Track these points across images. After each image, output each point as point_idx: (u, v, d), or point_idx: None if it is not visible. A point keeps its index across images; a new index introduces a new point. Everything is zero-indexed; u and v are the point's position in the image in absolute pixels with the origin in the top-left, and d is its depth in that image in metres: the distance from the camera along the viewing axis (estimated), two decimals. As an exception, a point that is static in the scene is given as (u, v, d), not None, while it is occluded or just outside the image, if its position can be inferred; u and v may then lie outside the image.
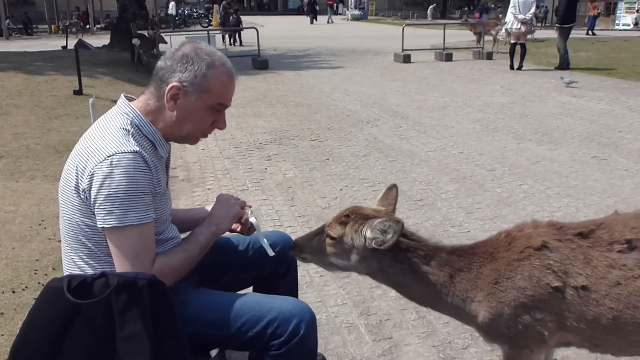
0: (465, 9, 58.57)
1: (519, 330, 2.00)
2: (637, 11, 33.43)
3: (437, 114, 9.70)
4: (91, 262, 1.98)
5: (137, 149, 1.90)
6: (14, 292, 3.67)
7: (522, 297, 1.97)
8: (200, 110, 2.03)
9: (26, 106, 9.38)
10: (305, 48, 22.76)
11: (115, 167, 1.83)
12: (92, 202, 1.86)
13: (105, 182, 1.83)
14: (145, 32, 17.13)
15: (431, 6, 49.46)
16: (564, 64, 15.03)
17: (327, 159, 6.98)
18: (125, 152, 1.86)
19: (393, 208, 2.27)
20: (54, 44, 23.73)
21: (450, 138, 7.98)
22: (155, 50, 16.21)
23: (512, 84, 12.83)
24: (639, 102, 10.57)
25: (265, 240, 2.29)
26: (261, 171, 6.57)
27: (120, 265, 1.88)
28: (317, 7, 46.17)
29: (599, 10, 32.04)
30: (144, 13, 34.79)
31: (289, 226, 4.87)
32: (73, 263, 2.01)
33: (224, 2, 27.07)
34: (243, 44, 25.03)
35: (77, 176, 1.89)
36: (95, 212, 1.86)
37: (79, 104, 9.56)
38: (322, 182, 6.13)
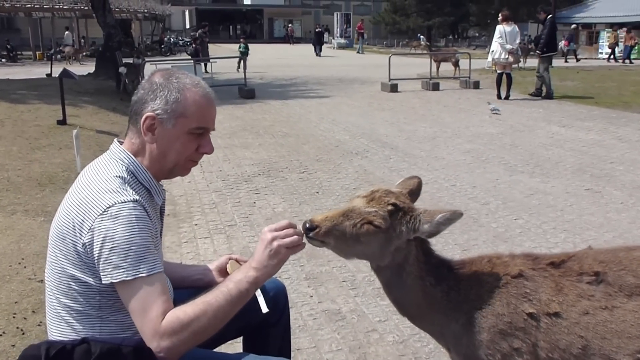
0: (450, 37, 59.32)
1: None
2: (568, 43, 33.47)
3: (426, 144, 9.62)
4: (81, 318, 1.82)
5: (137, 197, 1.79)
6: (-10, 337, 3.45)
7: (500, 324, 2.00)
8: (180, 137, 1.90)
9: (8, 136, 9.18)
10: (291, 77, 22.75)
11: (116, 218, 1.72)
12: (95, 258, 1.73)
13: (108, 235, 1.71)
14: (130, 60, 17.08)
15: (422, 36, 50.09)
16: (550, 93, 15.10)
17: (317, 192, 6.83)
18: (125, 202, 1.75)
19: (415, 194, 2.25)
20: (38, 71, 23.54)
21: (441, 170, 7.88)
22: (141, 78, 16.13)
23: (500, 114, 12.81)
24: (628, 132, 10.58)
25: (260, 295, 2.10)
26: (250, 205, 6.40)
27: (134, 320, 1.74)
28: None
29: (636, 41, 32.96)
30: (130, 41, 34.88)
31: (280, 264, 4.70)
32: (60, 317, 1.85)
33: (199, 31, 27.18)
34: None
35: (75, 230, 1.77)
36: (101, 268, 1.73)
37: (63, 134, 9.37)
38: (312, 216, 5.95)
